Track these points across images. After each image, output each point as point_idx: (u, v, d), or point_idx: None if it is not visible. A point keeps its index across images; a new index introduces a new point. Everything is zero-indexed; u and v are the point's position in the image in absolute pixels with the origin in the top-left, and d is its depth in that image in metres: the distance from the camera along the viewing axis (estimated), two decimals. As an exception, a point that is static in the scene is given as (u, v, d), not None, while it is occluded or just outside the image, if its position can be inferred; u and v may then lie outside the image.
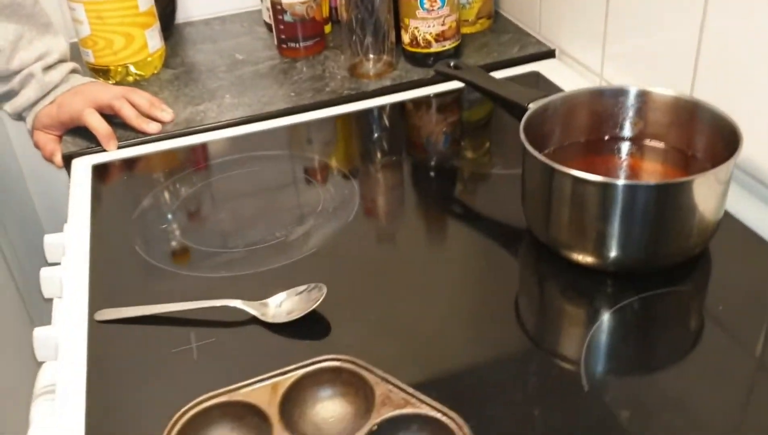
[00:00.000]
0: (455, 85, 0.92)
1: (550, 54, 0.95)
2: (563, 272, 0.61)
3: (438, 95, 0.91)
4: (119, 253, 0.68)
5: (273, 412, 0.46)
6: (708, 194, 0.56)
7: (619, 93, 0.64)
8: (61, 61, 0.88)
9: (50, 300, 0.69)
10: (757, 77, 0.63)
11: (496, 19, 1.05)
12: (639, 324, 0.57)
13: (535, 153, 0.57)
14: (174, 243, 0.69)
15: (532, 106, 0.64)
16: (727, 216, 0.63)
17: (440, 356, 0.54)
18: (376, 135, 0.87)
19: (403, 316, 0.58)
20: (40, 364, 0.64)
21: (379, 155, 0.82)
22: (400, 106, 0.90)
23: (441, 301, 0.60)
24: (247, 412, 0.47)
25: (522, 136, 0.60)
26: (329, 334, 0.57)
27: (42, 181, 1.24)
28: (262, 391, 0.48)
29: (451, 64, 0.76)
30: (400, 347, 0.55)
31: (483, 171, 0.78)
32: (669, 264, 0.59)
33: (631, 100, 0.63)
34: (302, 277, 0.60)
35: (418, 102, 0.91)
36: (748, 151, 0.62)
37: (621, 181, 0.58)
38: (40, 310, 1.33)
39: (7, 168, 1.23)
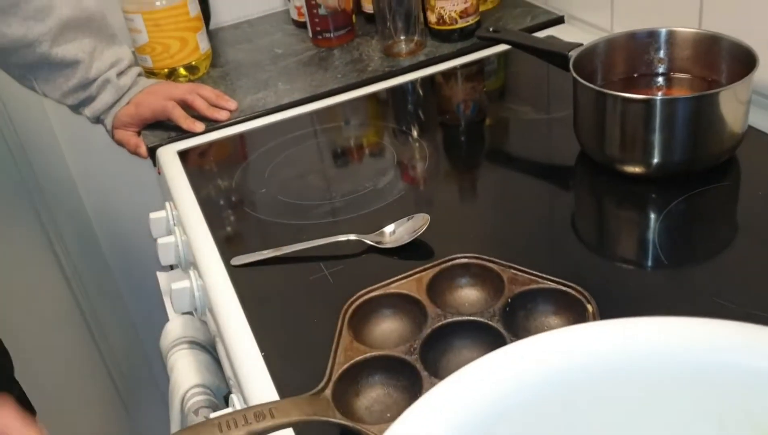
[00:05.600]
0: (477, 56, 1.04)
1: (559, 20, 1.07)
2: (615, 183, 0.73)
3: (465, 65, 1.03)
4: (232, 217, 0.78)
5: (423, 297, 0.57)
6: (732, 106, 0.68)
7: (649, 34, 0.76)
8: (130, 66, 0.97)
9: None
10: (746, 20, 0.76)
11: (503, -3, 1.18)
12: (694, 212, 0.69)
13: (589, 84, 0.69)
14: (277, 201, 0.79)
15: (573, 53, 0.76)
16: (752, 129, 0.75)
17: (533, 258, 0.65)
18: (422, 102, 0.99)
19: (491, 234, 0.70)
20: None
21: (430, 118, 0.94)
22: (431, 78, 1.02)
23: (522, 220, 0.71)
24: (401, 301, 0.58)
25: (573, 73, 0.72)
26: (436, 251, 0.67)
27: (92, 183, 1.33)
28: (410, 284, 0.59)
29: (491, 29, 0.87)
30: (497, 253, 0.66)
31: (524, 118, 0.90)
32: (704, 167, 0.71)
33: (659, 39, 0.76)
34: (399, 213, 0.71)
35: (447, 73, 1.02)
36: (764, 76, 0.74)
37: (661, 97, 0.71)
38: (93, 305, 1.42)
39: (57, 174, 1.31)
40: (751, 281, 0.60)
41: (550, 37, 1.01)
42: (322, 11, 1.08)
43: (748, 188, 0.72)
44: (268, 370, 0.58)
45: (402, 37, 1.04)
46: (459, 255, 0.61)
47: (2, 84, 1.14)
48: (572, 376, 0.31)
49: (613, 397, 0.32)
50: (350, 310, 0.58)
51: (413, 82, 1.01)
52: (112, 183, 1.33)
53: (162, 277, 0.89)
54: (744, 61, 0.69)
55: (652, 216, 0.70)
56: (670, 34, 0.75)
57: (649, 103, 0.68)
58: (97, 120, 0.98)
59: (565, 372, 0.31)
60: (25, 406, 1.04)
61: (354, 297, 0.59)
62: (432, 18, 1.05)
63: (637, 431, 0.33)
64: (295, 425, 0.50)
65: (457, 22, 1.04)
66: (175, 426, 0.78)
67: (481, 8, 1.12)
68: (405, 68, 1.02)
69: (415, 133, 0.90)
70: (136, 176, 1.22)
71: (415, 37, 1.04)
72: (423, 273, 0.60)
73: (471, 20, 1.05)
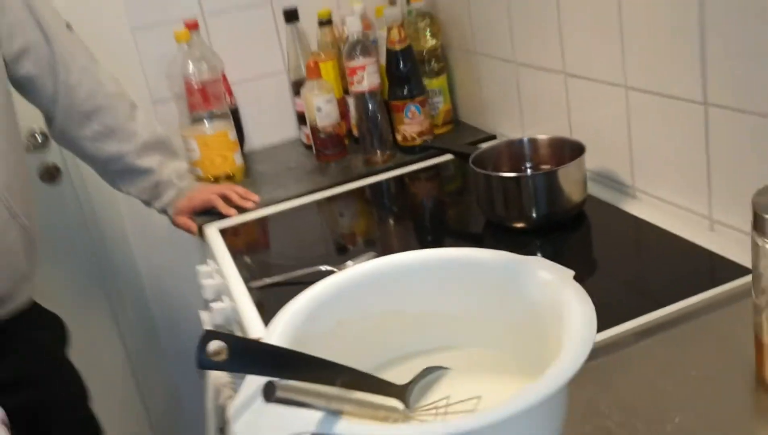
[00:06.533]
0: (433, 162, 1.45)
1: (492, 137, 1.49)
2: (509, 237, 1.10)
3: (423, 169, 1.45)
4: (253, 264, 1.17)
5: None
6: (570, 179, 1.06)
7: (519, 141, 1.17)
8: (187, 173, 1.40)
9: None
10: (595, 128, 1.16)
11: (456, 123, 1.61)
12: (557, 250, 1.05)
13: (482, 170, 1.09)
14: (284, 253, 1.18)
15: (473, 153, 1.16)
16: (592, 197, 1.13)
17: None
18: (388, 195, 1.39)
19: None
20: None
21: (393, 203, 1.34)
22: (400, 178, 1.43)
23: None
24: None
25: (472, 166, 1.12)
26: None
27: (147, 251, 1.74)
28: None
29: (429, 142, 1.29)
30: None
31: (458, 206, 1.29)
32: (560, 220, 1.08)
33: (525, 144, 1.16)
34: (357, 254, 1.09)
35: (411, 175, 1.43)
36: (598, 163, 1.14)
37: (528, 173, 1.10)
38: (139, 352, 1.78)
39: (119, 246, 1.73)
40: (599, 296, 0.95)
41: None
42: (322, 135, 1.52)
43: (593, 233, 1.09)
44: (271, 339, 0.95)
45: (378, 151, 1.46)
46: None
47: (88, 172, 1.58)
48: (396, 269, 0.69)
49: (418, 277, 0.70)
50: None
51: (387, 181, 1.42)
52: (160, 246, 1.74)
53: (203, 314, 1.26)
54: (579, 151, 1.08)
55: (537, 254, 1.06)
56: (532, 140, 1.16)
57: (518, 178, 1.07)
58: (163, 210, 1.39)
59: (395, 266, 0.69)
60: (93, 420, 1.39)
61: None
62: (399, 137, 1.48)
63: (425, 296, 0.70)
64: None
65: (416, 140, 1.46)
66: (210, 418, 1.14)
67: (437, 131, 1.55)
68: (380, 171, 1.43)
69: (383, 211, 1.30)
70: (177, 243, 1.65)
71: (387, 151, 1.46)
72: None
73: (426, 138, 1.47)
